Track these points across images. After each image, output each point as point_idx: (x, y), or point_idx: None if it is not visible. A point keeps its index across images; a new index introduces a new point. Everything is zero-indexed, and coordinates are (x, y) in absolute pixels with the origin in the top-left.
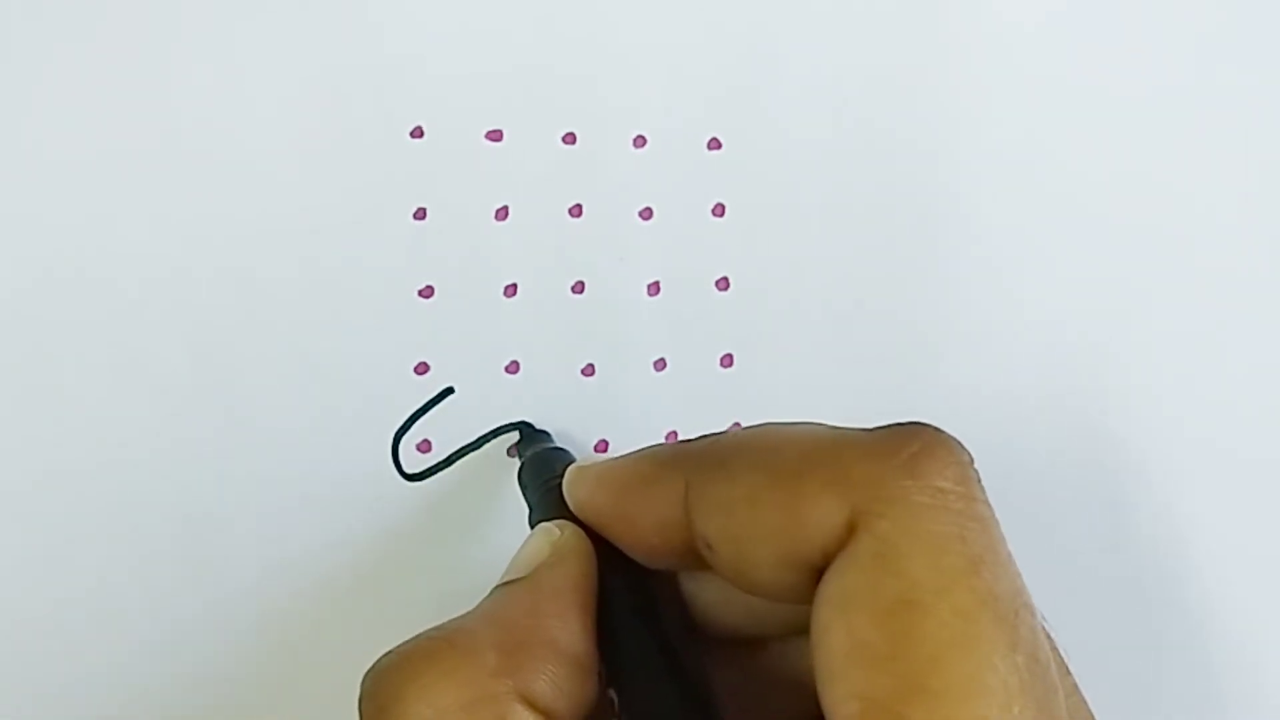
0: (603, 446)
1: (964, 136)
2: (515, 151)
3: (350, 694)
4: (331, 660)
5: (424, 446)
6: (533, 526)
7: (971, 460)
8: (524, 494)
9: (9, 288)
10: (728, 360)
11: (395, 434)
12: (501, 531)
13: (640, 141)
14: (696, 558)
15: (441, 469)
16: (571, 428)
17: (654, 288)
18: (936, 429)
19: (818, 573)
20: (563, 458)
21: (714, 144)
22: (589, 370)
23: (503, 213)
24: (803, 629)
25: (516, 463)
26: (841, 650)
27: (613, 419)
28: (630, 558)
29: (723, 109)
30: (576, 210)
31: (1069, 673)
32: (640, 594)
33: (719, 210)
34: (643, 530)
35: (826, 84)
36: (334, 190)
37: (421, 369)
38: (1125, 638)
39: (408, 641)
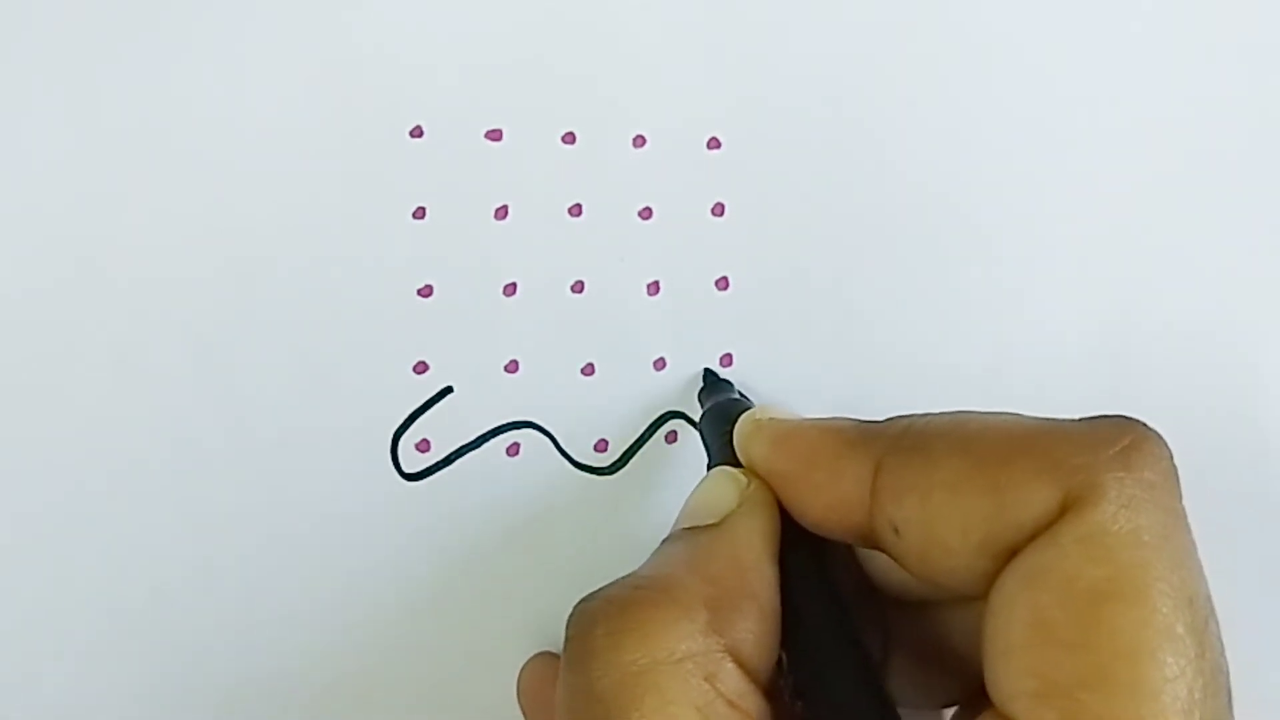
0: (603, 446)
1: (965, 136)
2: (515, 151)
3: (350, 692)
4: (331, 659)
5: (423, 446)
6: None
7: (1172, 457)
8: (704, 442)
9: (9, 288)
10: (727, 360)
11: (395, 433)
12: (500, 531)
13: (640, 141)
14: (865, 538)
15: (441, 469)
16: (571, 427)
17: (653, 287)
18: (1144, 423)
19: (1011, 558)
20: (744, 407)
21: (713, 144)
22: (589, 370)
23: (502, 212)
24: (965, 600)
25: (516, 463)
26: (1024, 625)
27: (612, 418)
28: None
29: (722, 108)
30: (576, 210)
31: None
32: (814, 553)
33: (718, 210)
34: (820, 503)
35: (826, 83)
36: (334, 189)
37: (421, 368)
38: None
39: (617, 586)
